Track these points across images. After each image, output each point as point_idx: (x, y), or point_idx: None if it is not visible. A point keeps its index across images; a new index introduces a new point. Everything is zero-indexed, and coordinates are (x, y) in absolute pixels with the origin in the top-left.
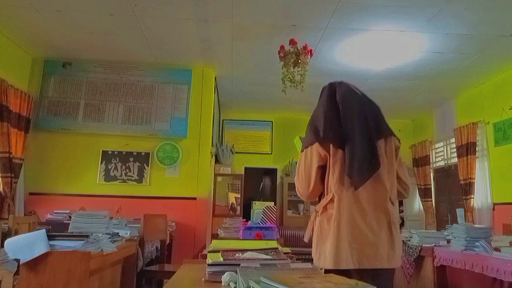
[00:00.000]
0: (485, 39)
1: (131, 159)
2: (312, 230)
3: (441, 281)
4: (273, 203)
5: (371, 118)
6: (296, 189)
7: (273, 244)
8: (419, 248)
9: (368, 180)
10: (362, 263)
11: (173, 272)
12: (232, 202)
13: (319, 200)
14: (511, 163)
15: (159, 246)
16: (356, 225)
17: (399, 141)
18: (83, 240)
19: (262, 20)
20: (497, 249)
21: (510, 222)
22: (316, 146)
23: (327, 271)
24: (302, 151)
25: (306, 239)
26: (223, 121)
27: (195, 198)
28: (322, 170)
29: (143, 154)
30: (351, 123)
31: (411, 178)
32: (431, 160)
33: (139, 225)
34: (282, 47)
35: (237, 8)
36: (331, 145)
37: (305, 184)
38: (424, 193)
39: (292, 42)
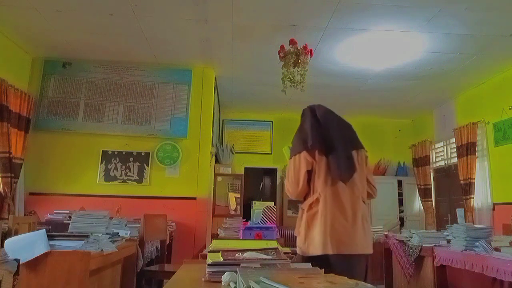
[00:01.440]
0: (485, 39)
1: (131, 159)
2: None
3: (441, 281)
4: (273, 203)
5: (346, 134)
6: (286, 189)
7: (273, 244)
8: (419, 248)
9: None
10: (341, 250)
11: (173, 272)
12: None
13: (304, 200)
14: (511, 163)
15: (159, 246)
16: (337, 218)
17: (367, 152)
18: (83, 240)
19: (262, 20)
20: (497, 249)
21: (510, 222)
22: (304, 154)
23: (312, 258)
24: (290, 158)
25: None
26: (223, 121)
27: (195, 198)
28: (309, 174)
29: (143, 154)
30: (333, 136)
31: (411, 178)
32: (431, 160)
33: (139, 225)
34: (282, 47)
35: (237, 8)
36: (316, 153)
37: (295, 185)
38: (424, 193)
39: (292, 42)
